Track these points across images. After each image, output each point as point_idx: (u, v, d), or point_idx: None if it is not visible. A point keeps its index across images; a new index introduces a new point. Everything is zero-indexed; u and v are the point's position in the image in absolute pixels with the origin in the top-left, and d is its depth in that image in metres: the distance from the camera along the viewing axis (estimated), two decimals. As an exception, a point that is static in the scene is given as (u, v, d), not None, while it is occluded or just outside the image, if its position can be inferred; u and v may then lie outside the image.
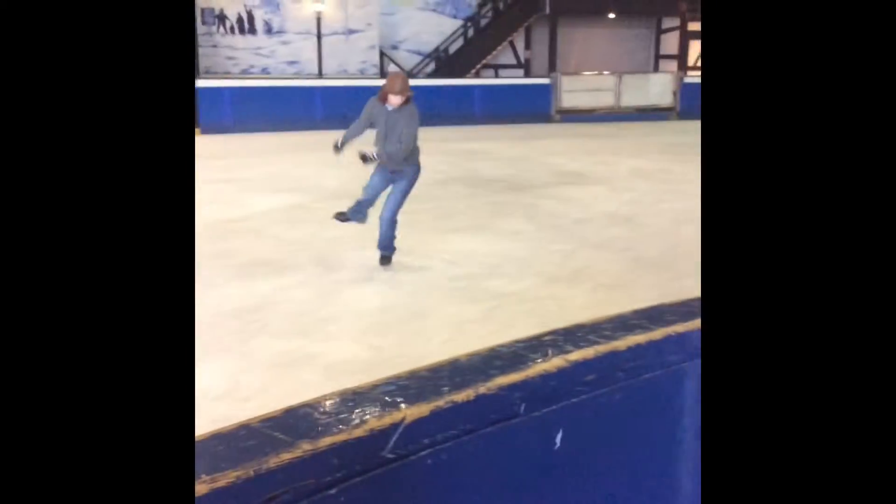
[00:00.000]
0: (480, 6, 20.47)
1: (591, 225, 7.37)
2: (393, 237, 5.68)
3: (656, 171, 10.68)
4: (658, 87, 18.67)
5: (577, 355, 0.98)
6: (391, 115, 5.33)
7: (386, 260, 5.77)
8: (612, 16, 20.43)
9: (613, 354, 1.01)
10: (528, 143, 13.99)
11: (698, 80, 19.96)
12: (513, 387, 0.92)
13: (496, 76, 19.94)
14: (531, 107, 17.75)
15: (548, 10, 19.55)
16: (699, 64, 21.70)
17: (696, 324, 1.12)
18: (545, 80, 18.65)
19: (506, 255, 6.10)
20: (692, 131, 15.92)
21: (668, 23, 21.10)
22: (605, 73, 19.06)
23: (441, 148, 12.87)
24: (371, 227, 7.07)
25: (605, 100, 18.24)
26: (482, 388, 0.90)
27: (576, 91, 18.43)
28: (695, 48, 21.54)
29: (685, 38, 20.72)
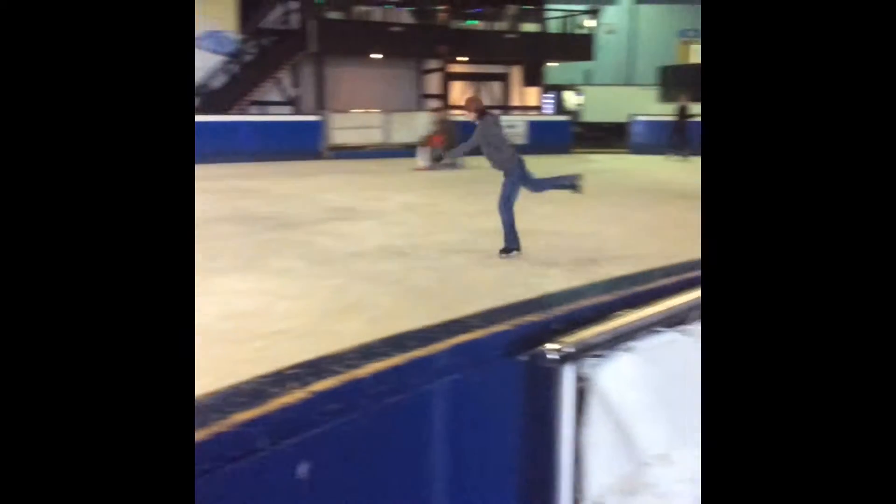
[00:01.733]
0: (244, 42, 20.15)
1: (364, 259, 7.48)
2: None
3: (425, 205, 11.08)
4: (425, 125, 19.44)
5: (319, 385, 1.00)
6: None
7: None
8: (376, 56, 21.03)
9: (356, 382, 1.04)
10: (298, 179, 13.92)
11: (461, 118, 21.06)
12: (252, 422, 0.91)
13: (264, 113, 19.67)
14: (301, 144, 17.73)
15: (313, 49, 19.70)
16: (461, 103, 22.91)
17: (436, 347, 1.18)
18: (315, 118, 18.72)
19: (277, 293, 6.00)
20: (458, 166, 16.68)
21: (430, 64, 22.09)
22: (374, 110, 19.52)
23: (206, 186, 12.40)
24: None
25: (374, 136, 18.66)
26: (220, 427, 0.89)
27: (345, 128, 18.69)
28: (456, 88, 22.73)
29: (446, 78, 21.81)
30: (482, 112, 7.29)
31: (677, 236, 8.63)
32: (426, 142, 16.68)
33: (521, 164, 7.30)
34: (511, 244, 7.36)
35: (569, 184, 7.79)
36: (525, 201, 11.22)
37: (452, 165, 16.13)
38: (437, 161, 8.48)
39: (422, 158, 16.36)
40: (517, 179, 7.27)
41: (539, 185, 7.76)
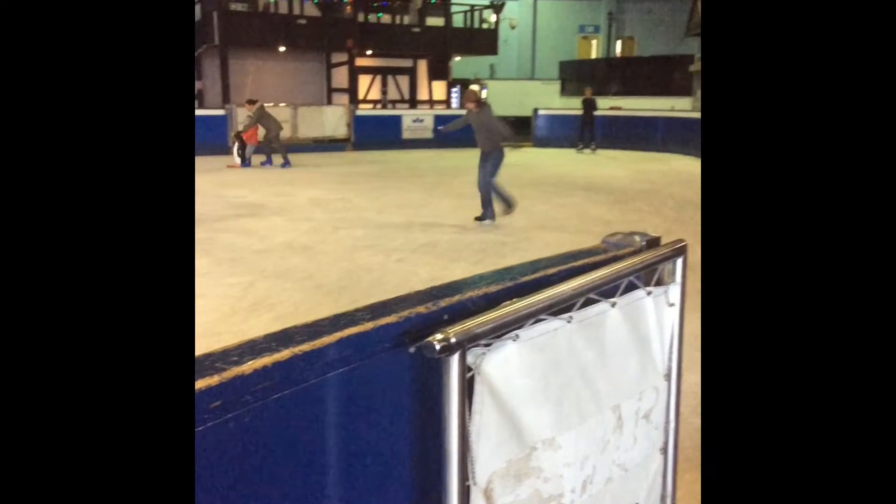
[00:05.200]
0: (143, 34, 19.45)
1: (271, 256, 7.37)
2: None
3: (334, 200, 10.99)
4: (332, 119, 19.22)
5: (200, 384, 1.00)
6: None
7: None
8: (282, 49, 20.67)
9: (239, 379, 1.04)
10: (203, 175, 13.55)
11: (369, 112, 20.97)
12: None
13: (165, 107, 19.02)
14: (206, 138, 17.24)
15: (217, 41, 19.20)
16: (369, 97, 22.82)
17: (324, 341, 1.19)
18: (220, 111, 18.26)
19: (180, 293, 5.84)
20: (367, 161, 16.58)
21: (338, 58, 21.87)
22: (281, 104, 19.18)
23: (106, 184, 11.88)
24: None
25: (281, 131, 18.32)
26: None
27: (252, 122, 18.27)
28: (363, 82, 22.59)
29: (354, 73, 21.65)
30: (479, 103, 8.88)
31: (578, 226, 8.88)
32: (237, 139, 15.95)
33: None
34: (488, 214, 8.81)
35: (507, 202, 8.86)
36: (428, 196, 11.28)
37: (268, 163, 15.73)
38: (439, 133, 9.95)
39: (236, 155, 15.76)
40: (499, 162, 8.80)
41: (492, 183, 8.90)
